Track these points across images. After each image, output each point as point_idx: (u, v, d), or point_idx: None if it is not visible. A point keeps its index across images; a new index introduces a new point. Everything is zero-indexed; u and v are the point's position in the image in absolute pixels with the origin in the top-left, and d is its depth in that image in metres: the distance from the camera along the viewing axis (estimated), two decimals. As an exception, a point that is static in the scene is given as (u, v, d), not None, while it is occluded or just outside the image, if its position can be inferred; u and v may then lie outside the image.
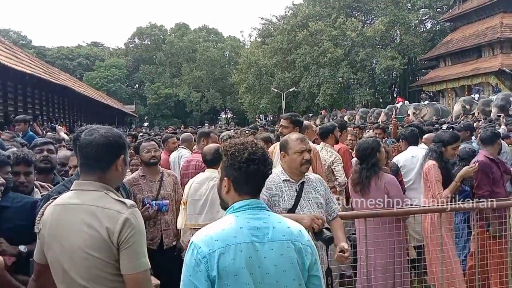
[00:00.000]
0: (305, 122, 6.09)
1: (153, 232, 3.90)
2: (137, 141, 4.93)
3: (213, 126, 34.25)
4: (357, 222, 3.87)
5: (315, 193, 2.81)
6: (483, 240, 3.85)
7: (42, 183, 3.17)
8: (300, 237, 1.71)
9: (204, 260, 1.58)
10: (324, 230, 2.52)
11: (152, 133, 15.45)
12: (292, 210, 2.68)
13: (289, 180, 2.78)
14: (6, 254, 2.43)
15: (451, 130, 6.78)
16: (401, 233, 3.63)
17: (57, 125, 17.00)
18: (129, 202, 1.84)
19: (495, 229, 3.85)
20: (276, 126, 16.50)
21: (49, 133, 11.31)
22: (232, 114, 57.63)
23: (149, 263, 1.83)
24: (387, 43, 38.46)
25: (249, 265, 1.60)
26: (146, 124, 52.25)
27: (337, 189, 4.96)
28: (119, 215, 1.77)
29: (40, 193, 3.02)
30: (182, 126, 28.21)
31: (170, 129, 16.06)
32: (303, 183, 2.77)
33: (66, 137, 8.66)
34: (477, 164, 3.96)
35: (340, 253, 2.59)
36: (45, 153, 3.50)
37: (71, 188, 1.92)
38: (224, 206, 1.81)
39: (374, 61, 37.57)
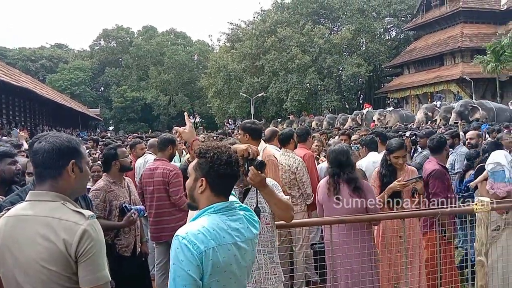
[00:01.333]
0: (272, 128, 6.09)
1: (128, 238, 3.87)
2: (106, 147, 4.78)
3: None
4: (324, 229, 3.88)
5: (260, 199, 2.82)
6: (440, 246, 3.94)
7: None
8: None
9: (200, 256, 1.73)
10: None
11: (116, 138, 15.05)
12: None
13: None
14: None
15: (407, 138, 7.00)
16: (367, 239, 3.65)
17: (18, 130, 16.40)
18: (87, 212, 1.76)
19: (450, 234, 4.01)
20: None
21: (4, 138, 10.84)
22: (201, 118, 57.27)
23: (109, 276, 1.76)
24: (353, 50, 39.33)
25: (234, 262, 1.83)
26: (111, 128, 51.24)
27: (307, 203, 4.96)
28: (77, 227, 1.70)
29: None
30: (150, 130, 27.78)
31: (130, 137, 15.38)
32: (248, 189, 2.79)
33: (25, 144, 8.33)
34: (404, 181, 4.01)
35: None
36: (19, 166, 3.38)
37: (25, 199, 1.83)
38: (193, 206, 1.96)
39: (341, 68, 38.28)
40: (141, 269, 4.03)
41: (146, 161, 6.06)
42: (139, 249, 4.01)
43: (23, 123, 22.82)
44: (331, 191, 3.75)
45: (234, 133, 12.86)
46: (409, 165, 4.65)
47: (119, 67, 54.86)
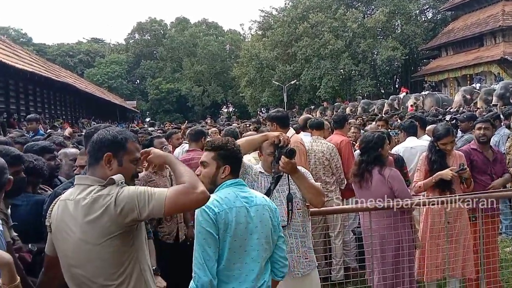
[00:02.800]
0: (305, 116, 6.04)
1: (170, 226, 3.97)
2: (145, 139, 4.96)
3: (211, 120, 34.26)
4: (362, 216, 3.87)
5: (292, 185, 2.89)
6: (488, 231, 3.85)
7: (42, 187, 3.21)
8: (271, 203, 2.48)
9: (214, 216, 2.20)
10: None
11: (151, 128, 15.36)
12: None
13: (263, 172, 2.94)
14: (23, 251, 2.44)
15: (447, 122, 6.82)
16: (406, 225, 3.62)
17: (59, 124, 17.05)
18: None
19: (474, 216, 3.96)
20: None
21: (49, 130, 11.31)
22: (234, 108, 57.52)
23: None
24: (388, 33, 38.23)
25: (244, 222, 2.27)
26: (148, 119, 52.30)
27: (341, 188, 4.98)
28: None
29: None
30: (186, 122, 28.17)
31: (168, 124, 15.82)
32: (279, 176, 2.87)
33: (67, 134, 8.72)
34: (457, 171, 3.91)
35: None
36: (57, 161, 3.55)
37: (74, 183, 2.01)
38: (213, 190, 2.35)
39: (375, 52, 37.38)
40: (185, 256, 4.13)
41: (184, 151, 6.21)
42: (184, 236, 4.09)
43: (64, 117, 23.64)
44: (356, 178, 3.78)
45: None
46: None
47: (153, 60, 55.74)
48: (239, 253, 2.24)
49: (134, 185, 2.02)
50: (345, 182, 4.95)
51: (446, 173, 3.86)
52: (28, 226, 2.57)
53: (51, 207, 2.00)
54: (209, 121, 24.82)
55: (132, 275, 1.92)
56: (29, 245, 2.53)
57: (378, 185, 3.66)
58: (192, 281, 2.20)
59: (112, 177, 1.87)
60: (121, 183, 1.87)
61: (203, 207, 2.13)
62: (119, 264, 1.88)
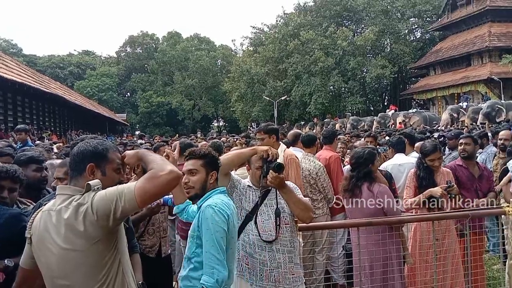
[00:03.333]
0: (295, 131, 6.10)
1: (152, 239, 3.89)
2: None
3: (201, 134, 34.17)
4: (351, 231, 3.86)
5: (280, 200, 2.89)
6: (476, 248, 3.86)
7: (22, 199, 3.11)
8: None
9: (226, 218, 2.39)
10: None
11: (140, 141, 15.33)
12: (252, 212, 2.91)
13: (252, 186, 2.95)
14: None
15: (435, 139, 6.89)
16: (395, 242, 3.61)
17: (47, 136, 16.90)
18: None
19: (457, 226, 3.97)
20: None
21: (37, 142, 11.22)
22: (224, 122, 57.59)
23: None
24: (378, 52, 38.88)
25: (236, 224, 2.57)
26: (137, 132, 52.06)
27: (329, 205, 4.96)
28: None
29: (21, 208, 2.96)
30: (177, 135, 28.16)
31: (157, 138, 15.82)
32: (267, 191, 2.89)
33: (55, 149, 8.61)
34: (445, 188, 3.93)
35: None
36: (45, 173, 3.45)
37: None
38: (202, 195, 2.52)
39: (365, 70, 37.89)
40: (167, 270, 4.04)
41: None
42: (168, 251, 4.03)
43: (52, 129, 23.44)
44: (346, 193, 3.79)
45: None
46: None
47: (145, 73, 55.76)
48: (232, 251, 2.50)
49: None
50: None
51: (436, 190, 3.88)
52: (3, 241, 2.49)
53: (32, 217, 1.97)
54: (199, 135, 24.80)
55: (116, 278, 1.91)
56: (5, 261, 2.44)
57: (366, 202, 3.66)
58: (208, 276, 2.29)
59: (88, 182, 1.86)
60: (97, 188, 1.86)
61: (218, 209, 2.37)
62: (104, 268, 1.87)
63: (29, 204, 3.11)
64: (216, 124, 59.61)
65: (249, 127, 43.80)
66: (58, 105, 24.85)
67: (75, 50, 66.58)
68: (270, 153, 2.79)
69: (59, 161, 3.90)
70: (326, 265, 4.94)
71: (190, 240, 2.49)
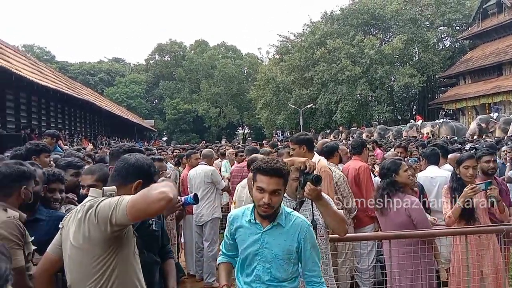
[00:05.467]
0: (341, 147, 6.03)
1: None
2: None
3: (226, 141, 34.39)
4: (384, 244, 3.84)
5: (315, 212, 2.89)
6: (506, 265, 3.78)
7: (69, 197, 3.26)
8: None
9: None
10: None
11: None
12: None
13: (286, 197, 2.94)
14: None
15: (469, 151, 6.74)
16: (427, 255, 3.58)
17: (78, 141, 17.34)
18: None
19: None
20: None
21: (65, 147, 11.52)
22: (250, 129, 57.84)
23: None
24: (406, 60, 38.33)
25: None
26: (164, 138, 52.89)
27: (350, 216, 4.90)
28: None
29: (66, 209, 3.09)
30: (203, 141, 28.48)
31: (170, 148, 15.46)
32: (302, 201, 2.91)
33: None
34: (477, 186, 3.81)
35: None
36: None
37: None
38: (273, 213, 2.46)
39: (393, 79, 37.41)
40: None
41: (200, 171, 6.30)
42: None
43: (83, 134, 24.07)
44: (380, 205, 3.76)
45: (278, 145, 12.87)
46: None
47: (172, 80, 56.69)
48: None
49: None
50: (355, 210, 4.88)
51: (465, 193, 3.74)
52: (49, 241, 2.62)
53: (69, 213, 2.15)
54: (224, 142, 24.97)
55: (110, 286, 1.97)
56: None
57: (396, 213, 3.64)
58: (320, 279, 2.44)
59: (104, 188, 1.98)
60: (110, 194, 1.95)
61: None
62: (97, 272, 1.94)
63: (75, 201, 3.26)
64: (241, 131, 59.91)
65: (274, 134, 43.87)
66: (89, 111, 25.51)
67: (105, 57, 68.35)
68: (307, 164, 2.79)
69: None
70: (354, 277, 4.91)
71: (284, 262, 2.39)
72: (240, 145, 16.29)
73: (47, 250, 2.20)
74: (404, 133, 23.54)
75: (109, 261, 1.96)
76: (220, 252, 2.71)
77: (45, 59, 50.40)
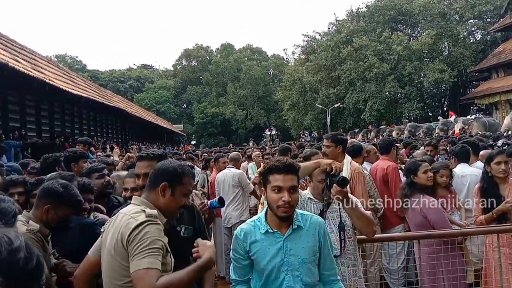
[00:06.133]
0: (369, 147, 5.98)
1: None
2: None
3: (253, 143, 34.51)
4: (415, 244, 3.80)
5: (342, 213, 2.88)
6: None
7: (97, 205, 3.38)
8: None
9: None
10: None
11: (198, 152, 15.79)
12: None
13: (313, 199, 2.97)
14: (69, 274, 2.57)
15: (501, 147, 6.52)
16: (457, 255, 3.52)
17: (110, 147, 17.78)
18: (150, 212, 2.04)
19: None
20: (321, 143, 16.38)
21: (99, 153, 11.87)
22: (277, 131, 57.83)
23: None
24: (435, 55, 37.42)
25: None
26: (193, 142, 53.59)
27: (376, 216, 4.84)
28: (133, 222, 1.99)
29: (94, 217, 3.19)
30: (231, 144, 28.72)
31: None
32: (329, 203, 2.89)
33: (116, 158, 9.12)
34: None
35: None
36: (107, 178, 3.72)
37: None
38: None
39: (422, 75, 36.63)
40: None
41: (227, 174, 6.39)
42: None
43: (115, 140, 24.65)
44: (403, 205, 3.74)
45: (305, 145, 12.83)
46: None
47: (199, 85, 57.37)
48: None
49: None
50: (382, 210, 4.81)
51: (503, 207, 3.65)
52: (79, 246, 2.69)
53: (111, 217, 2.24)
54: (251, 144, 25.08)
55: None
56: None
57: (413, 213, 3.62)
58: (338, 276, 2.43)
59: (145, 209, 2.03)
60: (150, 216, 2.00)
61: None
62: (125, 279, 1.99)
63: (102, 209, 3.38)
64: (268, 133, 59.97)
65: (301, 135, 43.69)
66: (120, 117, 26.11)
67: (134, 64, 69.67)
68: (333, 166, 2.79)
69: (125, 172, 4.19)
70: (384, 277, 4.86)
71: (311, 266, 2.32)
72: (266, 147, 16.38)
73: (88, 252, 2.28)
74: (436, 131, 22.94)
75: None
76: (232, 284, 2.49)
77: (77, 68, 51.94)
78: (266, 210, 2.35)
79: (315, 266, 2.33)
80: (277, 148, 11.32)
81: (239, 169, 6.75)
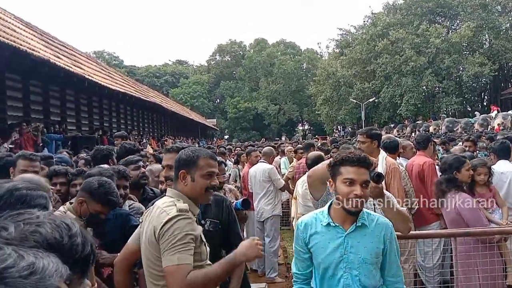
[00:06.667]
0: (405, 142, 5.87)
1: None
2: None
3: (286, 138, 34.40)
4: (452, 241, 3.72)
5: (377, 210, 2.83)
6: None
7: (131, 195, 3.47)
8: None
9: None
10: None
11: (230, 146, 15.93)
12: None
13: None
14: (105, 265, 2.68)
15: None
16: (495, 254, 3.42)
17: (147, 141, 18.17)
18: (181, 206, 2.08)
19: None
20: (355, 138, 16.18)
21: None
22: (310, 125, 57.47)
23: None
24: (475, 48, 36.11)
25: None
26: (226, 137, 54.03)
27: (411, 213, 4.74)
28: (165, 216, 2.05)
29: (129, 205, 3.30)
30: (263, 139, 28.78)
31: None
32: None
33: (150, 150, 9.33)
34: None
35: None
36: (142, 170, 3.82)
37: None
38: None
39: (461, 68, 35.47)
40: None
41: (259, 169, 6.42)
42: None
43: (151, 134, 25.17)
44: (439, 201, 3.65)
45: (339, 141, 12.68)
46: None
47: (232, 80, 57.73)
48: None
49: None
50: (415, 208, 4.71)
51: None
52: (114, 236, 2.78)
53: (148, 209, 2.32)
54: (284, 139, 25.06)
55: None
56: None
57: (448, 210, 3.53)
58: (403, 285, 2.34)
59: (177, 203, 2.09)
60: (181, 211, 2.04)
61: None
62: (159, 271, 2.06)
63: (135, 200, 3.48)
64: (301, 128, 59.67)
65: (335, 130, 43.24)
66: (155, 112, 26.63)
67: (169, 60, 70.98)
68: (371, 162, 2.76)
69: (157, 166, 4.28)
70: (418, 275, 4.78)
71: (372, 267, 2.23)
72: (298, 142, 16.34)
73: (128, 240, 2.38)
74: (476, 126, 22.10)
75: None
76: (294, 279, 2.42)
77: (114, 64, 53.31)
78: (331, 203, 2.30)
79: (376, 269, 2.23)
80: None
81: (271, 164, 6.75)
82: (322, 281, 2.26)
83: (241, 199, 2.97)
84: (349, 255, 2.18)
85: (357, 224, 2.20)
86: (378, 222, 2.26)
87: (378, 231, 2.22)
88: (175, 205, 2.08)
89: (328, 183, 2.44)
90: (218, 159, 2.54)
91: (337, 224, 2.22)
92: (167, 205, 2.09)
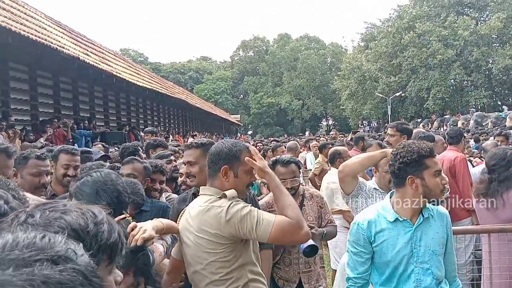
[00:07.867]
0: (436, 137, 5.80)
1: (288, 272, 3.13)
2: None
3: (309, 133, 34.17)
4: (484, 238, 3.65)
5: None
6: None
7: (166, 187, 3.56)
8: None
9: None
10: None
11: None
12: None
13: (378, 189, 2.97)
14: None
15: None
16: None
17: (172, 137, 18.39)
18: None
19: None
20: (381, 133, 15.98)
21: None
22: (334, 121, 56.99)
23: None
24: (505, 40, 34.97)
25: None
26: (250, 132, 54.17)
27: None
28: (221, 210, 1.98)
29: (165, 196, 3.38)
30: (285, 135, 28.72)
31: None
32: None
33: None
34: None
35: None
36: (174, 163, 3.92)
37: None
38: None
39: (491, 61, 34.44)
40: None
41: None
42: None
43: (176, 130, 25.48)
44: (481, 198, 3.53)
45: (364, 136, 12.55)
46: None
47: (256, 75, 57.74)
48: None
49: (247, 194, 2.21)
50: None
51: None
52: None
53: (180, 215, 2.25)
54: (307, 134, 24.91)
55: (239, 282, 2.02)
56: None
57: (504, 209, 3.42)
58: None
59: (225, 192, 2.01)
60: (233, 197, 1.99)
61: None
62: (225, 269, 2.00)
63: (170, 191, 3.57)
64: (325, 123, 59.25)
65: (360, 125, 42.71)
66: (181, 108, 26.92)
67: (194, 56, 71.60)
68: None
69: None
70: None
71: (441, 258, 2.22)
72: (322, 138, 16.23)
73: (171, 255, 2.26)
74: (507, 120, 21.39)
75: (235, 261, 2.02)
76: (351, 283, 2.30)
77: (140, 61, 53.97)
78: (391, 197, 2.26)
79: (442, 259, 2.22)
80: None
81: (297, 158, 6.76)
82: (391, 279, 2.19)
83: (309, 244, 2.59)
84: (419, 248, 2.15)
85: (424, 216, 2.17)
86: (439, 211, 2.24)
87: (440, 220, 2.21)
88: (221, 197, 2.02)
89: (359, 178, 2.52)
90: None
91: (405, 219, 2.17)
92: (213, 201, 2.02)
